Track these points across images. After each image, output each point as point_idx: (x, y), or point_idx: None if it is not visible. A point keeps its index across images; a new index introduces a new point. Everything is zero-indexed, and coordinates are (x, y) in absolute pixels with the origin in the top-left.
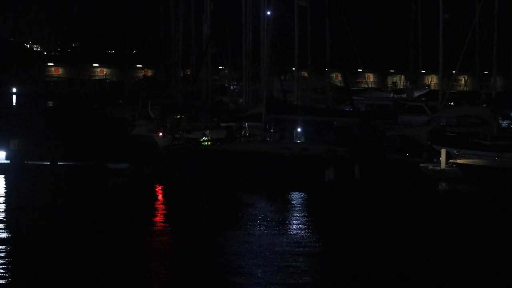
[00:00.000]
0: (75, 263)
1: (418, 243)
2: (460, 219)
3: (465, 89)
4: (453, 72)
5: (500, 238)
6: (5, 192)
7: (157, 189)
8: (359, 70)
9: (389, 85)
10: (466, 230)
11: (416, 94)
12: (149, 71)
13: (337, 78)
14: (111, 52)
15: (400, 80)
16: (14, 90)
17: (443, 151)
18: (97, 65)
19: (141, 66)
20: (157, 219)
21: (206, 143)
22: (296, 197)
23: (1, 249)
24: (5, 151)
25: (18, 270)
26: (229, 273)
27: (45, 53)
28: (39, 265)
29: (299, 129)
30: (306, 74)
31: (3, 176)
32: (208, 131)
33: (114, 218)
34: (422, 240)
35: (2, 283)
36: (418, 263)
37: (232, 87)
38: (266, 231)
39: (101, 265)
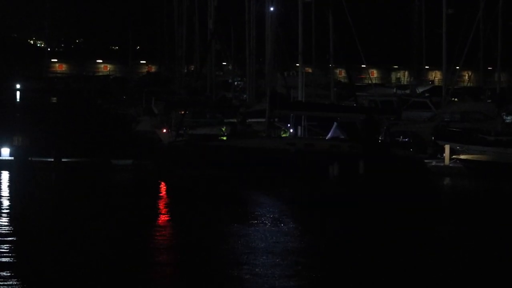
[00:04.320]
0: (79, 257)
1: (418, 239)
2: (463, 215)
3: (469, 84)
4: (457, 67)
5: (499, 233)
6: (9, 189)
7: (160, 185)
8: (362, 66)
9: (393, 81)
10: (467, 226)
11: (420, 89)
12: (153, 67)
13: (341, 74)
14: (115, 48)
15: (404, 76)
16: (18, 86)
17: (447, 147)
18: (101, 61)
19: (144, 62)
20: (160, 215)
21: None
22: (300, 193)
23: (6, 245)
24: (9, 147)
25: (23, 265)
26: (234, 267)
27: (49, 49)
28: (43, 260)
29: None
30: (310, 70)
31: (7, 172)
32: (225, 127)
33: (117, 214)
34: (422, 237)
35: (9, 283)
36: (415, 259)
37: (235, 83)
38: (267, 228)
39: (104, 260)
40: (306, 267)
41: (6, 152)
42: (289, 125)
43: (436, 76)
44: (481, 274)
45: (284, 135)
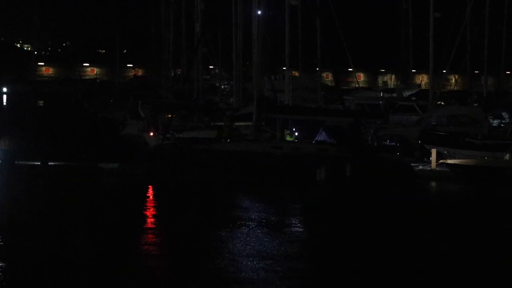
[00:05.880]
0: (65, 261)
1: (406, 243)
2: (450, 219)
3: (455, 88)
4: (444, 71)
5: (487, 236)
6: None
7: (148, 189)
8: (349, 69)
9: (379, 85)
10: (455, 230)
11: (407, 93)
12: (140, 70)
13: (328, 77)
14: (102, 51)
15: (390, 80)
16: (5, 89)
17: (434, 151)
18: (87, 64)
19: (131, 65)
20: (147, 219)
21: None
22: (287, 197)
23: None
24: None
25: (10, 269)
26: (223, 272)
27: (35, 52)
28: (30, 263)
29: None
30: (297, 74)
31: None
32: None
33: (104, 217)
34: (410, 240)
35: None
36: (405, 262)
37: (222, 87)
38: (254, 232)
39: (91, 265)
40: (298, 270)
41: None
42: (294, 129)
43: (423, 79)
44: (473, 276)
45: (289, 139)
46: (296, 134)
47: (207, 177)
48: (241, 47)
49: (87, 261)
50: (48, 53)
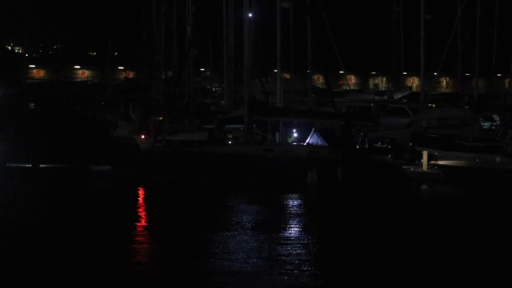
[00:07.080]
0: (58, 264)
1: (398, 245)
2: (441, 220)
3: (447, 90)
4: (435, 73)
5: (479, 237)
6: None
7: (139, 191)
8: (340, 72)
9: (371, 87)
10: (446, 232)
11: (398, 95)
12: (131, 72)
13: (319, 80)
14: (93, 54)
15: (382, 82)
16: None
17: (425, 153)
18: (78, 67)
19: (122, 68)
20: (139, 221)
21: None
22: (279, 199)
23: None
24: None
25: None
26: (215, 275)
27: (26, 55)
28: (23, 266)
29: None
30: (288, 76)
31: None
32: (230, 135)
33: (95, 220)
34: (404, 241)
35: None
36: (400, 263)
37: (214, 89)
38: (246, 234)
39: (84, 267)
40: (293, 270)
41: None
42: (294, 130)
43: (414, 82)
44: (468, 276)
45: (290, 140)
46: (296, 135)
47: (198, 179)
48: (232, 49)
49: (80, 262)
50: (39, 56)
